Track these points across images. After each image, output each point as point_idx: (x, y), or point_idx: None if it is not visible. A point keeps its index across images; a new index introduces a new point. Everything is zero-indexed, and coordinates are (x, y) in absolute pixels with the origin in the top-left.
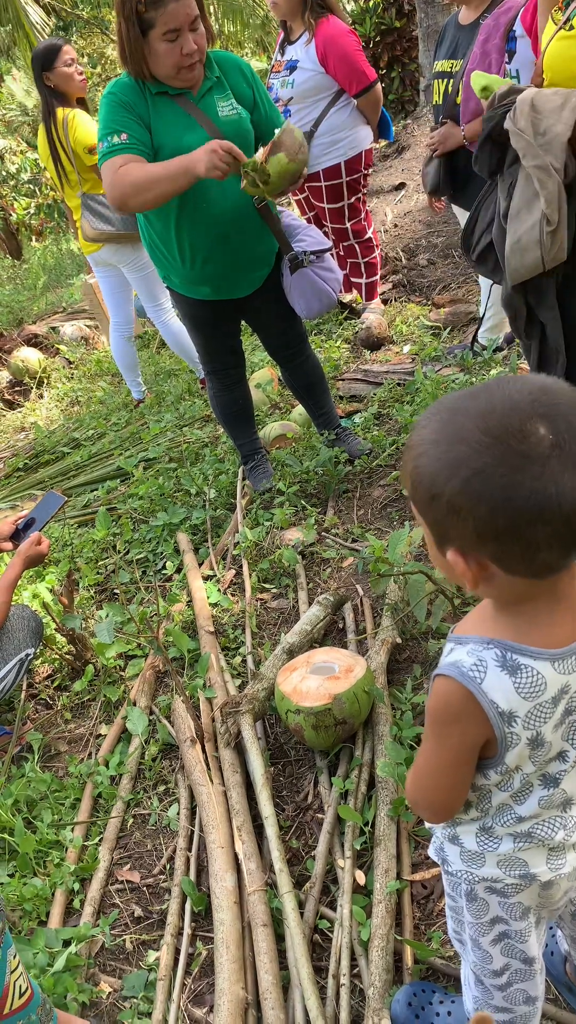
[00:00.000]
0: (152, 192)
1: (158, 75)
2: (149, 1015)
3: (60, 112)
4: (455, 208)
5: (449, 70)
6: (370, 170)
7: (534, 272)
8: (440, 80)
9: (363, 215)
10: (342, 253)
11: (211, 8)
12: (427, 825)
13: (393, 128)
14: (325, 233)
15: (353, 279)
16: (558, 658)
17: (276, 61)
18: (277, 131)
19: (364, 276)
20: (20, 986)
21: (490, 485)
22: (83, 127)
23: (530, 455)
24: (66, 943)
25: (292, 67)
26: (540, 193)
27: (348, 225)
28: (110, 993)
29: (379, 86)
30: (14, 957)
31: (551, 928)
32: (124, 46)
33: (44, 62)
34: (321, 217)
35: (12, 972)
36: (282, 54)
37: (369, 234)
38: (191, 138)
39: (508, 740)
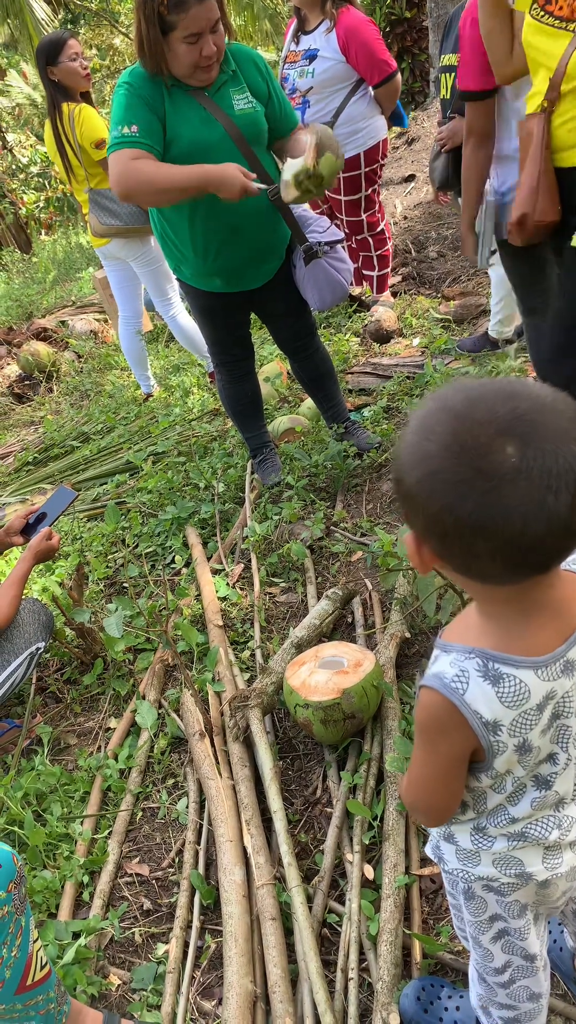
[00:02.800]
0: (164, 195)
1: (175, 74)
2: (158, 1007)
3: (65, 107)
4: (462, 203)
5: (456, 64)
6: (385, 160)
7: None
8: (447, 74)
9: (377, 207)
10: (354, 246)
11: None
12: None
13: (407, 116)
14: (338, 226)
15: (365, 272)
16: (541, 666)
17: (291, 51)
18: (309, 135)
19: (376, 269)
20: (41, 957)
21: (441, 488)
22: (90, 122)
23: (485, 472)
24: (76, 935)
25: (311, 56)
26: None
27: (364, 217)
28: (119, 985)
29: (399, 76)
30: (35, 927)
31: (560, 926)
32: (143, 44)
33: (48, 56)
34: (336, 209)
35: (34, 942)
36: (297, 44)
37: (382, 226)
38: (206, 132)
39: (495, 748)
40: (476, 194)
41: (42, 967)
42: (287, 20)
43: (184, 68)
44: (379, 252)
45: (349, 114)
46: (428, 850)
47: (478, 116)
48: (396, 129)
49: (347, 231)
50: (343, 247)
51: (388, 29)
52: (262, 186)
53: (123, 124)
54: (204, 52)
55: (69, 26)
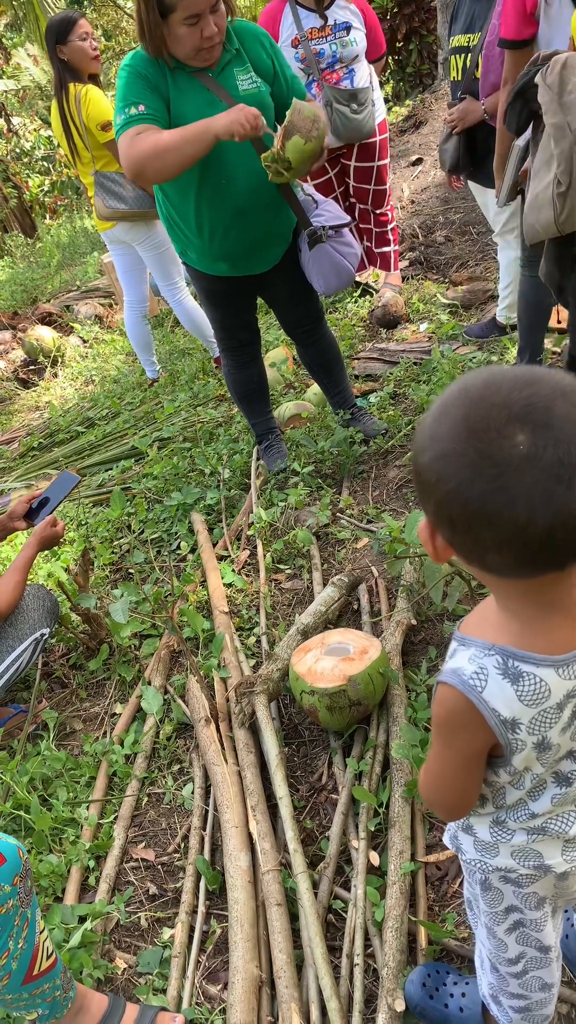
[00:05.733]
0: (171, 156)
1: (177, 56)
2: (164, 991)
3: (72, 88)
4: (472, 185)
5: (467, 44)
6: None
7: (548, 233)
8: (457, 55)
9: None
10: (371, 225)
11: None
12: None
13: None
14: (349, 208)
15: (382, 249)
16: (562, 664)
17: (313, 28)
18: (288, 113)
19: (391, 244)
20: (47, 947)
21: (449, 472)
22: (96, 103)
23: (493, 457)
24: (82, 919)
25: (346, 27)
26: (553, 152)
27: (387, 186)
28: (125, 969)
29: None
30: (41, 919)
31: (567, 912)
32: (143, 28)
33: (58, 35)
34: (359, 180)
35: (40, 933)
36: (325, 20)
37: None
38: (211, 114)
39: (513, 745)
40: (510, 140)
41: (48, 956)
42: None
43: (185, 50)
44: (391, 226)
45: (374, 81)
46: (446, 839)
47: (515, 65)
48: (402, 112)
49: (367, 207)
50: (351, 230)
51: (396, 10)
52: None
53: (129, 105)
54: (205, 34)
55: (75, 7)
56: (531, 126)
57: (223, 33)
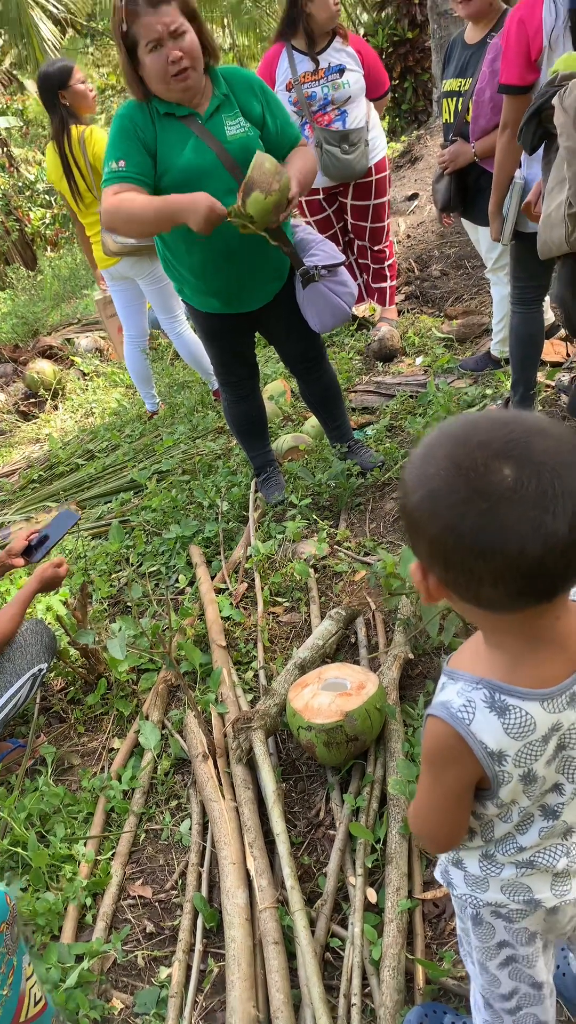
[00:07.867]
0: (139, 226)
1: (155, 91)
2: None
3: (75, 129)
4: (465, 222)
5: (458, 89)
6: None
7: (560, 250)
8: (449, 99)
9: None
10: (368, 260)
11: (224, 22)
12: None
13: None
14: (348, 243)
15: (379, 284)
16: (547, 698)
17: (306, 72)
18: (249, 169)
19: (388, 279)
20: (35, 994)
21: (441, 509)
22: (101, 142)
23: (482, 492)
24: (78, 958)
25: (340, 70)
26: (566, 175)
27: (386, 223)
28: (122, 1010)
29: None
30: (28, 965)
31: (564, 950)
32: (124, 71)
33: (60, 81)
34: (356, 217)
35: (27, 980)
36: (316, 64)
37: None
38: (198, 160)
39: (499, 778)
40: (506, 181)
41: (36, 1003)
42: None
43: (157, 81)
44: (389, 262)
45: (373, 120)
46: (437, 874)
47: (515, 110)
48: (398, 148)
49: (365, 243)
50: (349, 268)
51: (391, 50)
52: (224, 212)
53: (113, 159)
54: (171, 58)
55: (86, 42)
56: (544, 145)
57: (194, 59)
